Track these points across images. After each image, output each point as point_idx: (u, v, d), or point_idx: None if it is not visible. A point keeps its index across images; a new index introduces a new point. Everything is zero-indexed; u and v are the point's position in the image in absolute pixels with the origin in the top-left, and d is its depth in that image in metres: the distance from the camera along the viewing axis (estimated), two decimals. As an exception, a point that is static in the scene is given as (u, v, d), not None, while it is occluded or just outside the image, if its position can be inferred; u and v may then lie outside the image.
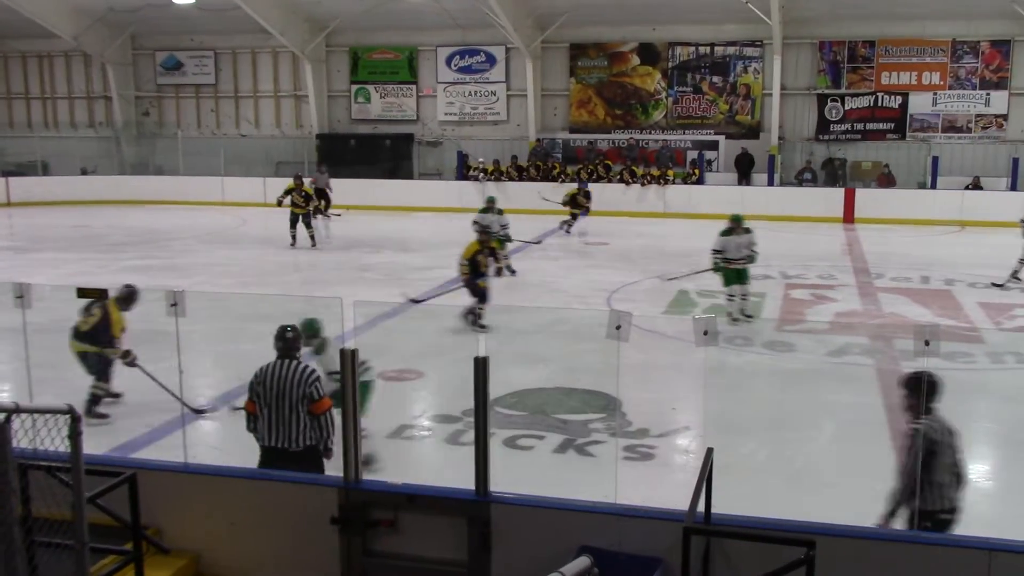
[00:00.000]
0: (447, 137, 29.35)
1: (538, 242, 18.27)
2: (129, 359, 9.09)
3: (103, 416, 8.96)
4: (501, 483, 5.34)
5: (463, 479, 5.33)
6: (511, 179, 27.03)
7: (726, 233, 12.98)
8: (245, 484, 5.86)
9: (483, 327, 12.15)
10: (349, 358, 5.44)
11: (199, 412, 9.03)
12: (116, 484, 5.31)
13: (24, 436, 4.55)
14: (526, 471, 7.73)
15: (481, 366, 5.12)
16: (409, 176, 28.85)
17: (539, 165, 27.47)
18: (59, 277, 15.90)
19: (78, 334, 9.24)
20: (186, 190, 28.19)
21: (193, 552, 5.77)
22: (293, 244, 20.01)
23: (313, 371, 6.45)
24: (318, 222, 20.55)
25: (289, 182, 20.40)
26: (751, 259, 12.97)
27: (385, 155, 28.99)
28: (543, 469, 7.93)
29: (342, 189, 27.16)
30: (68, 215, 25.49)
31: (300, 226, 20.07)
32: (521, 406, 9.36)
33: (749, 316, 13.01)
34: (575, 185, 23.54)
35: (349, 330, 7.78)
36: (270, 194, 27.47)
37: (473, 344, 6.07)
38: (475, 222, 15.61)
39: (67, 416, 4.75)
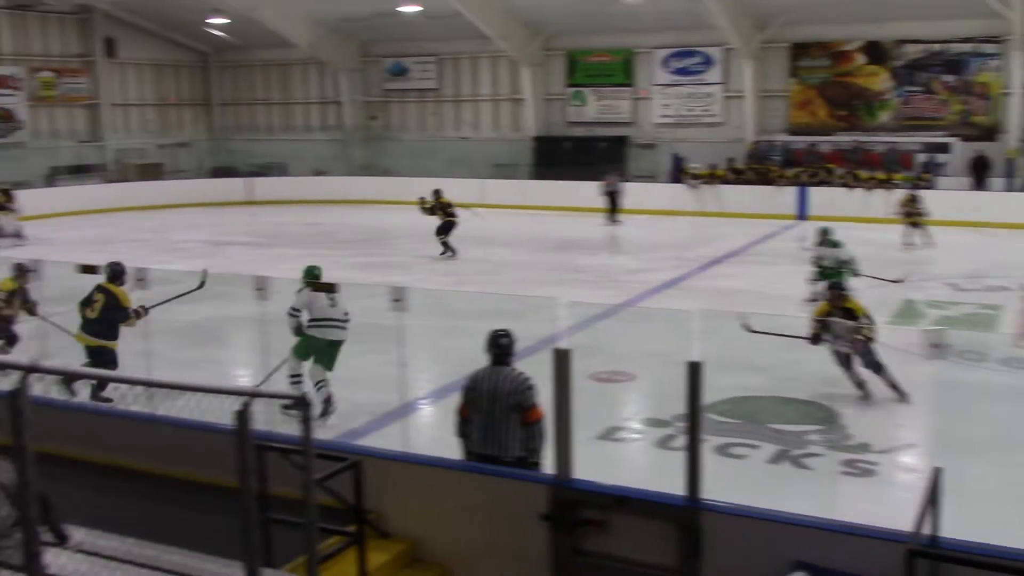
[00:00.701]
0: (662, 140, 29.13)
1: (900, 280, 14.37)
2: (143, 315, 9.61)
3: (109, 400, 8.03)
4: (712, 491, 5.26)
5: (672, 484, 5.28)
6: (727, 182, 26.51)
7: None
8: (460, 476, 6.03)
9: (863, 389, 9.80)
10: (561, 358, 5.50)
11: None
12: (342, 469, 5.60)
13: (262, 419, 4.88)
14: (738, 480, 7.58)
15: (695, 371, 5.06)
16: (623, 178, 28.81)
17: (756, 168, 26.82)
18: (293, 272, 16.85)
19: (86, 324, 9.44)
20: (409, 190, 29.18)
21: (411, 538, 6.00)
22: (447, 252, 19.29)
23: (527, 379, 6.24)
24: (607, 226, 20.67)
25: (426, 196, 19.53)
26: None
27: (599, 157, 29.09)
28: (756, 479, 7.75)
29: (555, 191, 27.57)
30: (302, 213, 27.06)
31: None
32: (735, 413, 9.18)
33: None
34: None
35: (562, 330, 7.89)
36: (487, 196, 28.23)
37: (686, 348, 5.98)
38: (812, 258, 14.05)
39: (300, 402, 5.06)
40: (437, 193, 19.57)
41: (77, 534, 4.87)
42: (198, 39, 33.51)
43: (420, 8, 27.27)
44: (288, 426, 5.13)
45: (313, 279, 9.69)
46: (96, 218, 26.05)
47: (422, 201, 19.36)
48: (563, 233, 22.87)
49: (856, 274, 13.23)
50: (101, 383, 8.53)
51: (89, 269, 10.09)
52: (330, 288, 9.40)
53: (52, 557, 4.20)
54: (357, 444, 7.80)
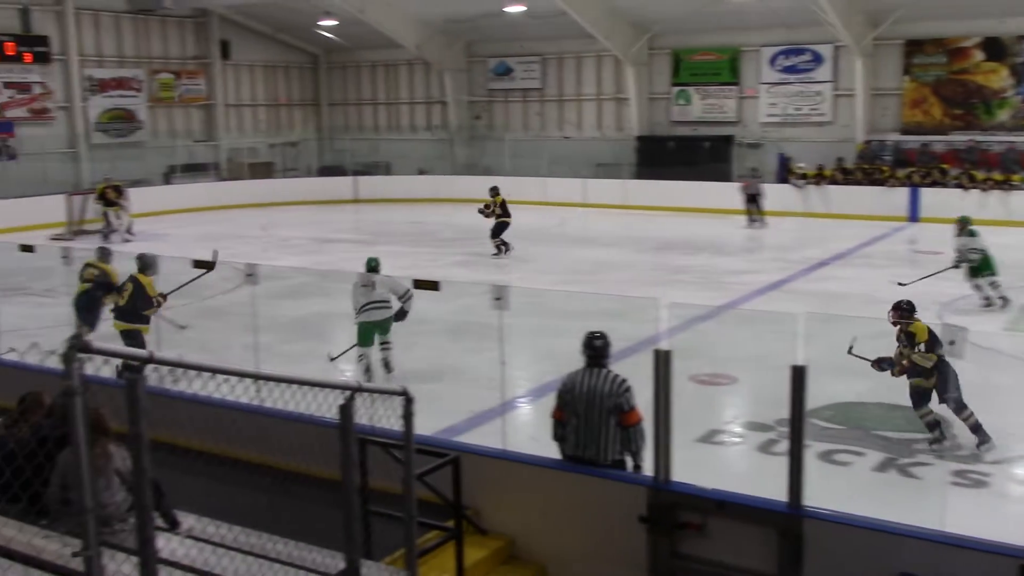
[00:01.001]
0: (768, 139, 28.62)
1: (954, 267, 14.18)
2: (162, 303, 10.53)
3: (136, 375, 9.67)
4: (815, 498, 5.16)
5: (774, 490, 5.20)
6: (835, 183, 25.87)
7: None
8: (558, 475, 6.05)
9: None
10: (662, 359, 5.47)
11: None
12: (442, 464, 5.67)
13: (364, 413, 4.97)
14: (842, 487, 7.41)
15: (799, 375, 4.98)
16: (727, 179, 28.41)
17: (866, 168, 26.12)
18: (396, 269, 17.12)
19: (118, 312, 10.42)
20: (511, 190, 29.33)
21: (508, 535, 6.04)
22: (500, 252, 19.52)
23: (624, 381, 6.15)
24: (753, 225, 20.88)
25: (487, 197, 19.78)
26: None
27: (703, 157, 28.75)
28: (861, 487, 7.57)
29: (657, 190, 27.36)
30: (406, 211, 27.46)
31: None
32: (839, 419, 8.98)
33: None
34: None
35: (663, 330, 7.84)
36: (590, 195, 28.20)
37: (790, 352, 5.87)
38: (958, 249, 14.12)
39: (402, 397, 5.15)
40: (495, 190, 19.95)
41: (187, 520, 5.05)
42: (309, 41, 34.31)
43: (525, 8, 27.37)
44: (389, 421, 5.22)
45: (372, 270, 10.99)
46: (209, 215, 26.91)
47: (485, 206, 19.73)
48: (666, 233, 22.67)
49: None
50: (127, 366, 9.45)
51: (203, 264, 10.51)
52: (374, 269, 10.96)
53: (164, 542, 4.36)
54: (457, 440, 7.89)
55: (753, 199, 23.56)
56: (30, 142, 27.13)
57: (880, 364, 8.68)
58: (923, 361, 8.20)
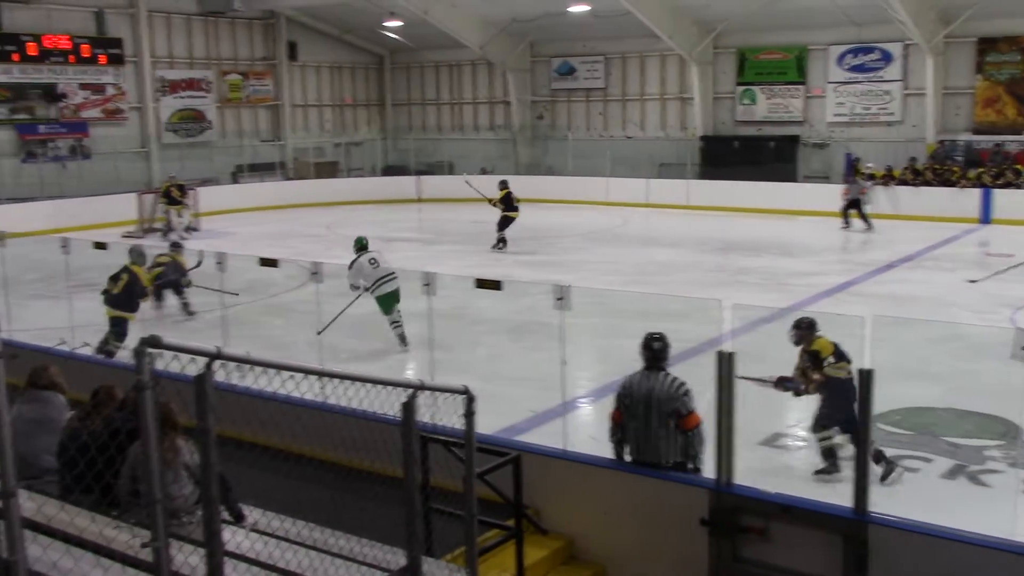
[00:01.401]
0: (835, 139, 28.19)
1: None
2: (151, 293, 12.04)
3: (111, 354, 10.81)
4: (881, 504, 5.08)
5: (838, 495, 5.13)
6: (904, 183, 25.34)
7: None
8: (619, 476, 6.03)
9: None
10: (725, 361, 5.42)
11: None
12: (503, 463, 5.69)
13: (426, 411, 5.01)
14: (909, 494, 7.27)
15: (865, 379, 4.90)
16: (793, 179, 28.05)
17: (936, 169, 25.56)
18: (458, 268, 17.28)
19: (111, 299, 11.21)
20: (573, 190, 29.42)
21: (568, 535, 6.04)
22: (498, 245, 20.44)
23: (683, 383, 6.09)
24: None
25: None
26: None
27: (768, 157, 28.41)
28: (928, 494, 7.42)
29: (721, 191, 27.10)
30: (467, 211, 27.54)
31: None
32: (907, 424, 8.81)
33: None
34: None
35: (727, 332, 7.76)
36: (652, 195, 28.04)
37: (856, 355, 5.79)
38: None
39: (464, 396, 5.18)
40: (503, 184, 20.88)
41: (253, 514, 5.14)
42: (374, 42, 34.64)
43: (589, 8, 27.31)
44: (451, 419, 5.25)
45: (362, 248, 12.32)
46: (275, 214, 27.31)
47: (492, 200, 20.68)
48: (729, 234, 22.45)
49: None
50: (110, 354, 10.85)
51: (269, 263, 10.73)
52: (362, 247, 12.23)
53: (229, 535, 4.43)
54: (517, 440, 7.90)
55: (855, 203, 23.05)
56: (103, 142, 27.82)
57: (784, 384, 8.23)
58: (838, 372, 7.80)
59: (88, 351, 9.33)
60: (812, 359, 7.97)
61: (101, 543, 4.07)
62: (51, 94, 26.74)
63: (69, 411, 5.71)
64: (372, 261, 12.08)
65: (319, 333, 11.33)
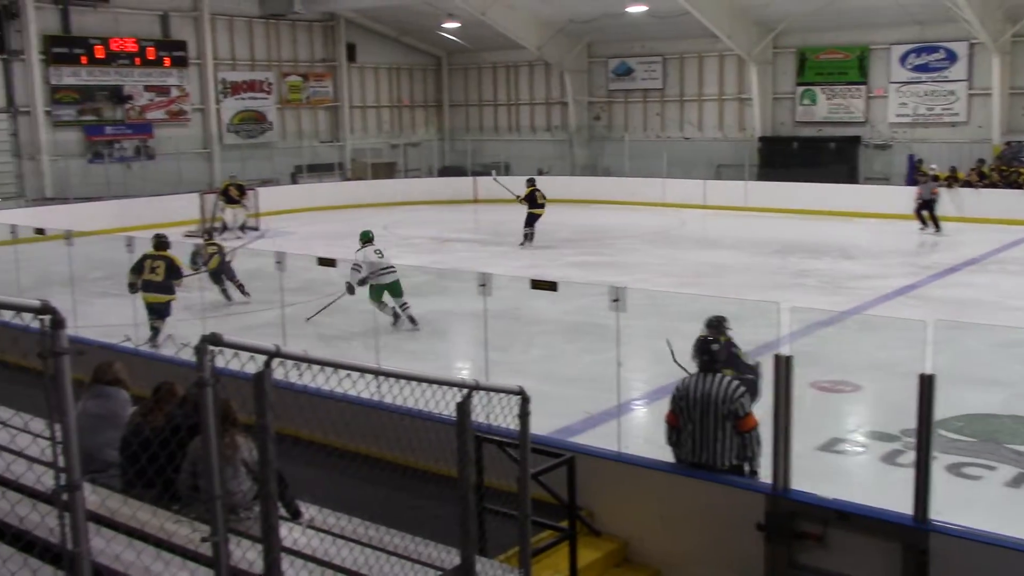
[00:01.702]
0: (897, 140, 27.71)
1: None
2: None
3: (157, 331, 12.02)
4: (943, 512, 4.98)
5: (898, 502, 5.04)
6: (968, 185, 24.76)
7: None
8: (674, 479, 5.99)
9: None
10: (783, 365, 5.36)
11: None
12: (557, 464, 5.69)
13: (481, 411, 5.02)
14: (972, 502, 7.13)
15: (927, 384, 4.82)
16: (853, 180, 27.63)
17: (1003, 170, 24.99)
18: (514, 269, 17.31)
19: (152, 286, 12.00)
20: (630, 191, 29.29)
21: (622, 538, 6.02)
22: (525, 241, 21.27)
23: (739, 386, 6.02)
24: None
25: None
26: None
27: (829, 158, 28.02)
28: (992, 503, 7.26)
29: (780, 192, 26.77)
30: (524, 212, 27.55)
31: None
32: (969, 431, 8.63)
33: None
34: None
35: (785, 335, 7.68)
36: (710, 197, 27.81)
37: (918, 361, 5.68)
38: None
39: (518, 397, 5.18)
40: (530, 181, 21.59)
41: (309, 511, 5.20)
42: (432, 43, 34.84)
43: (647, 8, 27.18)
44: (505, 419, 5.25)
45: (368, 240, 13.29)
46: (333, 214, 27.57)
47: (518, 196, 21.62)
48: (788, 236, 22.18)
49: None
50: (156, 332, 12.01)
51: (327, 262, 10.87)
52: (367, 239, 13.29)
53: (286, 531, 4.50)
54: (572, 441, 7.89)
55: (928, 205, 22.65)
56: (167, 143, 28.35)
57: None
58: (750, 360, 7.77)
59: (130, 344, 9.52)
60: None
61: (162, 537, 4.15)
62: (117, 96, 27.34)
63: (132, 407, 5.83)
64: (377, 252, 13.10)
65: (308, 320, 12.86)
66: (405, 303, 13.17)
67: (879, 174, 27.86)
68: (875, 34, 27.46)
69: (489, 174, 27.77)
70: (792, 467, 5.43)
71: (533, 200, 21.28)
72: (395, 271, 13.05)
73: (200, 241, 16.42)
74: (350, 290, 12.99)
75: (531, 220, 21.31)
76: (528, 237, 21.24)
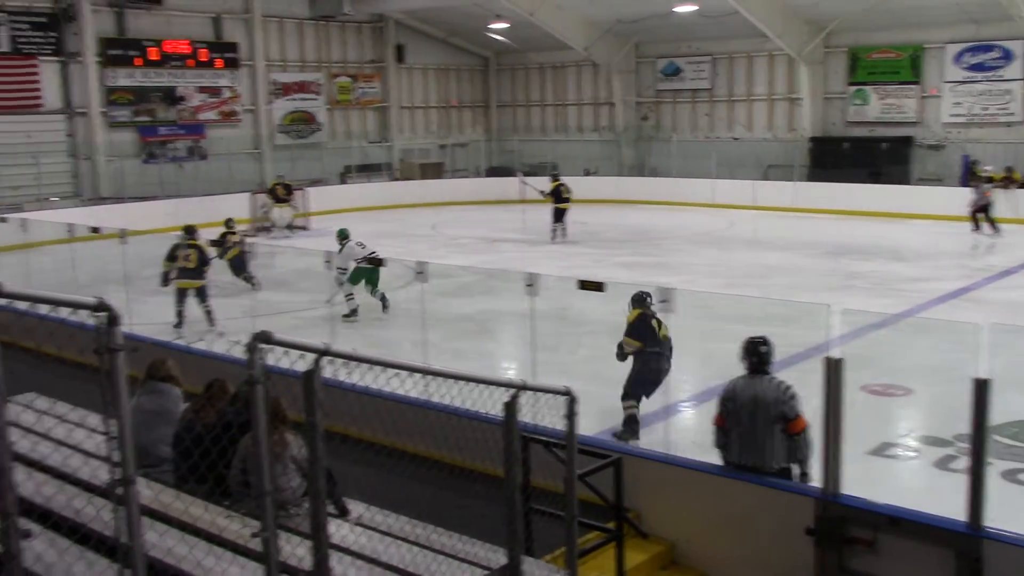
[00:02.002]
0: (951, 140, 27.25)
1: None
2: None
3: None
4: (997, 519, 4.89)
5: (951, 508, 4.96)
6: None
7: None
8: (722, 482, 5.95)
9: None
10: (833, 368, 5.30)
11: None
12: (604, 465, 5.67)
13: (528, 411, 5.03)
14: (1027, 509, 6.98)
15: (981, 389, 4.73)
16: (906, 181, 27.21)
17: (1060, 171, 24.43)
18: (560, 269, 17.29)
19: (187, 272, 12.88)
20: (678, 192, 29.12)
21: (669, 540, 5.99)
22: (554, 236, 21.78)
23: (789, 387, 5.98)
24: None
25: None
26: None
27: (881, 159, 27.63)
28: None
29: (830, 193, 26.44)
30: (571, 212, 27.52)
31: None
32: (1025, 437, 8.47)
33: None
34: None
35: (834, 338, 7.59)
36: (759, 197, 27.55)
37: (972, 364, 5.59)
38: None
39: (566, 397, 5.18)
40: (554, 177, 22.55)
41: (357, 508, 5.23)
42: (479, 44, 34.93)
43: (695, 8, 27.00)
44: (552, 420, 5.25)
45: (345, 238, 14.01)
46: (381, 213, 27.75)
47: (543, 192, 22.21)
48: (839, 237, 21.91)
49: None
50: (210, 314, 13.01)
51: (375, 262, 11.06)
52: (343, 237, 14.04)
53: (334, 528, 4.54)
54: (619, 442, 7.86)
55: (983, 208, 22.27)
56: (218, 143, 28.74)
57: (619, 349, 8.89)
58: (626, 347, 8.63)
59: (203, 345, 9.71)
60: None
61: (213, 532, 4.21)
62: (171, 97, 27.76)
63: (184, 403, 5.91)
64: (360, 243, 13.78)
65: (327, 301, 13.36)
66: (381, 293, 13.84)
67: (932, 175, 27.41)
68: (929, 33, 27.03)
69: (519, 175, 27.99)
70: (843, 471, 5.37)
71: (558, 195, 21.85)
72: (381, 259, 13.46)
73: (251, 240, 16.93)
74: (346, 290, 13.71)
75: (558, 215, 21.93)
76: (560, 232, 21.75)
